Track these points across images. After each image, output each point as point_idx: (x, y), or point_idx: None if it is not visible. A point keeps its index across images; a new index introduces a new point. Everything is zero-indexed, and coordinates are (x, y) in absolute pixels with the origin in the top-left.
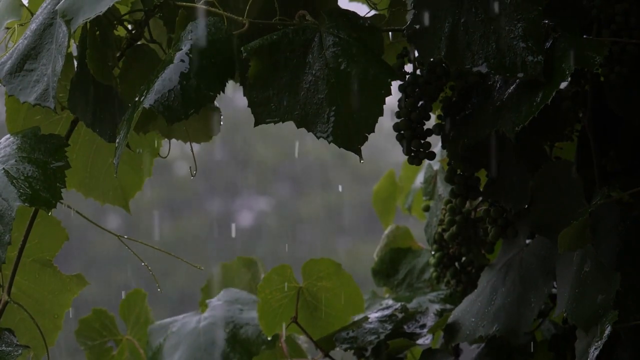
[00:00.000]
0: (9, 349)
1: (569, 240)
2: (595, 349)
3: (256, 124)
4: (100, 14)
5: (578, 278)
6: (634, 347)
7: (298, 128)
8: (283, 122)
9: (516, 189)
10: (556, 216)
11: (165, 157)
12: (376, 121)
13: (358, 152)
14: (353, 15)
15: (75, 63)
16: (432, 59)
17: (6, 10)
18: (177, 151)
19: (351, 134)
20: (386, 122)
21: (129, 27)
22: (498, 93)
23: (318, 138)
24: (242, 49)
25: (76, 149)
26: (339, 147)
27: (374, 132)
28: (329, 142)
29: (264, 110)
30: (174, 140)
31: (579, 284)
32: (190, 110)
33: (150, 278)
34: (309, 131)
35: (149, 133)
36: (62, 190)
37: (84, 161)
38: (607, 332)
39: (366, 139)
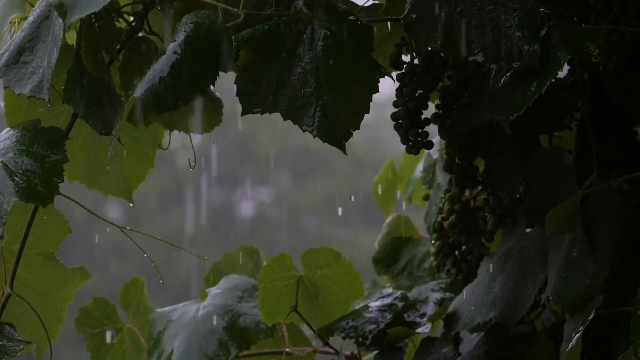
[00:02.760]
0: (11, 344)
1: (557, 222)
2: (578, 332)
3: (243, 113)
4: (96, 11)
5: (566, 262)
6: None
7: (284, 120)
8: (270, 113)
9: (510, 177)
10: (550, 204)
11: (166, 148)
12: (362, 118)
13: (342, 148)
14: (347, 10)
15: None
16: (429, 49)
17: (10, 5)
18: (178, 142)
19: (336, 130)
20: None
21: (130, 19)
22: (494, 81)
23: (304, 132)
24: (232, 38)
25: (79, 141)
26: (324, 142)
27: (359, 129)
28: (314, 137)
29: (251, 101)
30: (175, 132)
31: (566, 268)
32: (179, 102)
33: (153, 269)
34: (295, 124)
35: (151, 125)
36: (64, 182)
37: (88, 153)
38: (590, 317)
39: (351, 135)
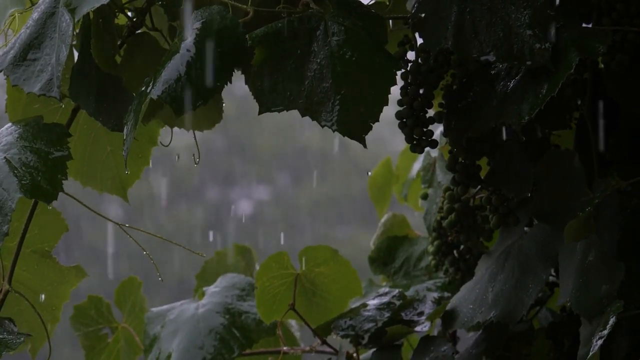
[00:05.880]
0: (10, 336)
1: (574, 231)
2: (600, 338)
3: (260, 112)
4: (105, 2)
5: (582, 268)
6: (633, 335)
7: (302, 116)
8: (288, 110)
9: (519, 177)
10: (558, 204)
11: (168, 145)
12: (381, 110)
13: (362, 141)
14: (358, 3)
15: (75, 51)
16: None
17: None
18: (175, 140)
19: (356, 123)
20: (385, 110)
21: (130, 14)
22: (501, 84)
23: (322, 127)
24: (247, 36)
25: (74, 137)
26: (344, 135)
27: (378, 121)
28: (334, 131)
29: (268, 99)
30: (175, 129)
31: (583, 273)
32: (198, 102)
33: (148, 268)
34: (313, 120)
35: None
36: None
37: (82, 150)
38: (611, 322)
39: (370, 128)
